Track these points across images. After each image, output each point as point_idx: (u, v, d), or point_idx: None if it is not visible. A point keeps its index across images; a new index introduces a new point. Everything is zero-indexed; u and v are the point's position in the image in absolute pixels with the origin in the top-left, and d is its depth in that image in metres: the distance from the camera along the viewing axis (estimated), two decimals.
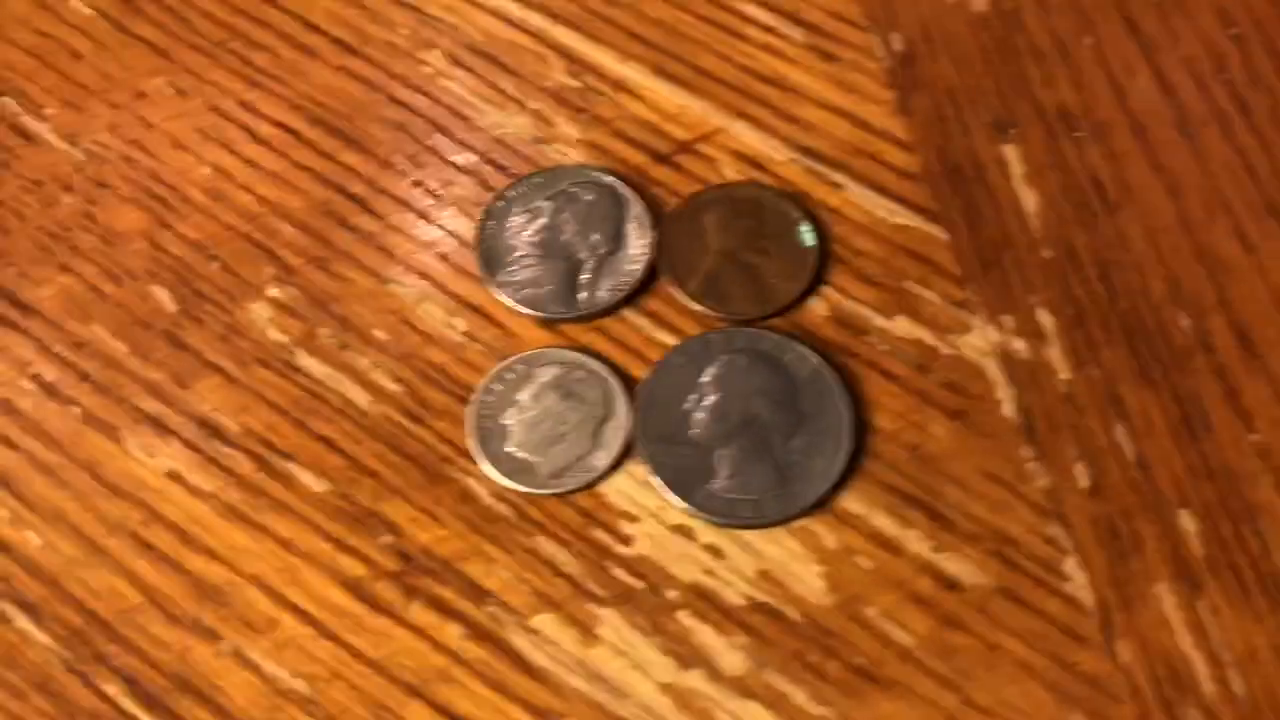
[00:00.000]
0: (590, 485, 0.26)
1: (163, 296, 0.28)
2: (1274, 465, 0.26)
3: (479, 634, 0.25)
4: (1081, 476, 0.26)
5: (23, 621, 0.25)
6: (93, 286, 0.29)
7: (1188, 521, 0.26)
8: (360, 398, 0.27)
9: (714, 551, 0.26)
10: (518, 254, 0.28)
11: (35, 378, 0.28)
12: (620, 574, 0.25)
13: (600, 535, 0.26)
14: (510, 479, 0.26)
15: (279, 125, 0.31)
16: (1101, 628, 0.25)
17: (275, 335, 0.28)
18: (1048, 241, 0.29)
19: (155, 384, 0.27)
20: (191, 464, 0.26)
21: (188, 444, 0.27)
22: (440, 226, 0.29)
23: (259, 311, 0.28)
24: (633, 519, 0.26)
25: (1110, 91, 0.31)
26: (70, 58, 0.32)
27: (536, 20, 0.32)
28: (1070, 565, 0.25)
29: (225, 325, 0.28)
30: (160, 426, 0.27)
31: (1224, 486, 0.26)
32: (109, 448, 0.27)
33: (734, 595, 0.25)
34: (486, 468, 0.26)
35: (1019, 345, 0.27)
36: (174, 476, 0.26)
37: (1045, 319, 0.28)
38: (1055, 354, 0.27)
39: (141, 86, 0.31)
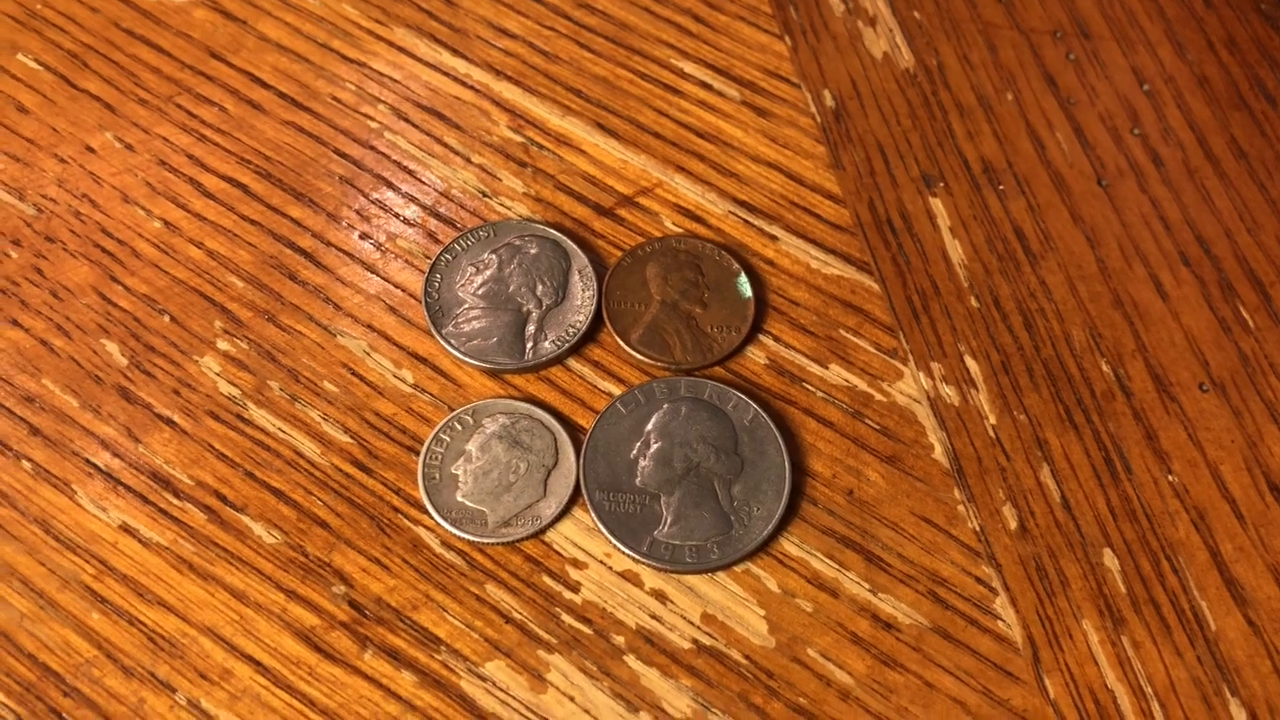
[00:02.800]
0: (538, 533, 0.27)
1: (113, 350, 0.29)
2: (1191, 505, 0.27)
3: (431, 682, 0.25)
4: (1010, 518, 0.27)
5: None
6: (43, 340, 0.29)
7: (1111, 560, 0.27)
8: (311, 450, 0.28)
9: (659, 596, 0.26)
10: (465, 306, 0.29)
11: None
12: (568, 620, 0.26)
13: (548, 582, 0.26)
14: (459, 528, 0.27)
15: (227, 179, 0.31)
16: (1031, 664, 0.26)
17: (226, 388, 0.28)
18: (974, 291, 0.30)
19: (107, 438, 0.28)
20: (144, 517, 0.27)
21: (140, 497, 0.27)
22: (388, 279, 0.30)
23: (210, 365, 0.29)
24: (580, 566, 0.27)
25: (1031, 146, 0.32)
26: (17, 112, 0.32)
27: (480, 76, 0.33)
28: (1000, 604, 0.26)
29: (176, 379, 0.28)
30: (113, 480, 0.27)
31: (1144, 526, 0.27)
32: (61, 502, 0.27)
33: (679, 639, 0.26)
34: (436, 517, 0.27)
35: (948, 391, 0.29)
36: (127, 529, 0.27)
37: (973, 366, 0.29)
38: (983, 399, 0.29)
39: (90, 141, 0.32)
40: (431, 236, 0.30)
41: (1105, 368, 0.29)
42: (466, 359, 0.29)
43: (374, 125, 0.32)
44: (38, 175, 0.31)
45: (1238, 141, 0.32)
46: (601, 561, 0.27)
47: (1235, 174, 0.31)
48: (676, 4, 0.34)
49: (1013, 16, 0.34)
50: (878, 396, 0.29)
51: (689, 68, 0.33)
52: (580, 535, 0.27)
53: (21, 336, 0.29)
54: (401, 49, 0.33)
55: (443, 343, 0.29)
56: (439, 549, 0.27)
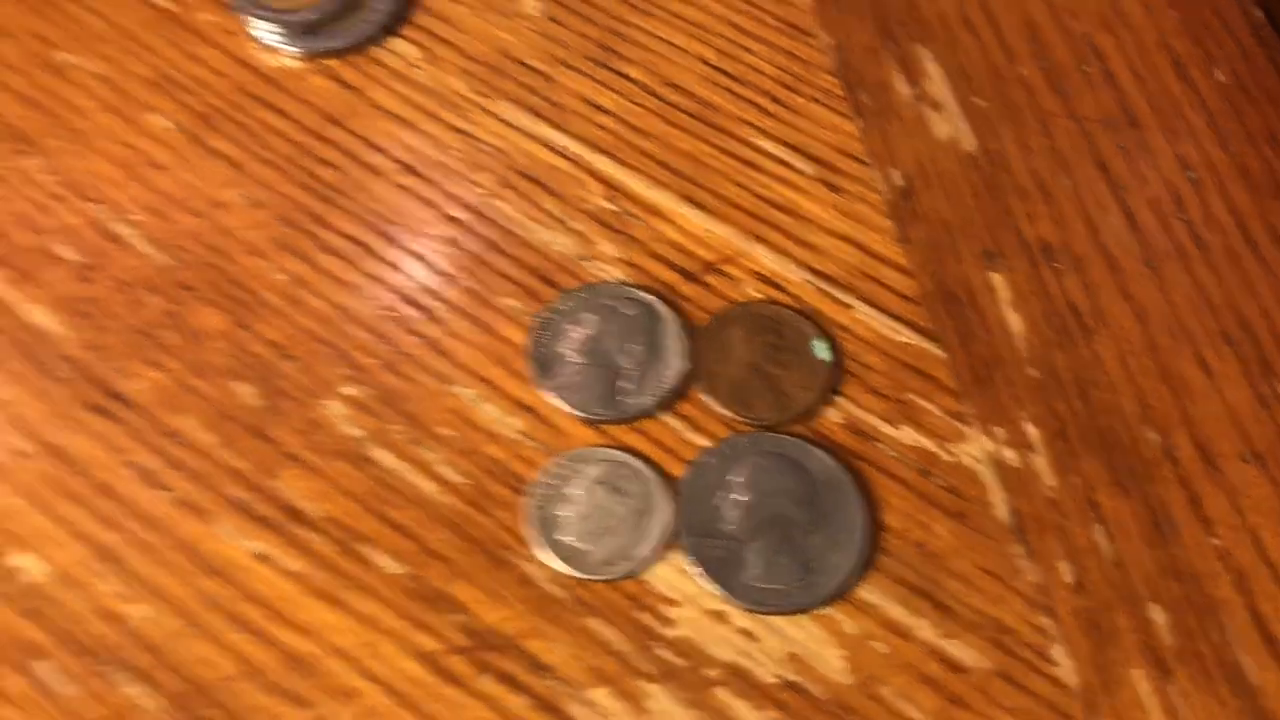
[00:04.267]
0: (635, 573, 0.29)
1: (246, 392, 0.31)
2: (1232, 566, 0.30)
3: (542, 705, 0.28)
4: (1066, 573, 0.30)
5: (133, 686, 0.28)
6: (181, 381, 0.31)
7: (1158, 614, 0.29)
8: (429, 488, 0.30)
9: (747, 635, 0.29)
10: (566, 361, 0.32)
11: (132, 464, 0.30)
12: (664, 653, 0.29)
13: (645, 618, 0.29)
14: (564, 565, 0.29)
15: (347, 237, 0.34)
16: (1085, 708, 0.28)
17: (350, 430, 0.31)
18: (1033, 361, 0.33)
19: (242, 472, 0.30)
20: (278, 546, 0.29)
21: (274, 528, 0.30)
22: (495, 334, 0.32)
23: (335, 408, 0.31)
24: (674, 604, 0.29)
25: (1085, 227, 0.35)
26: (153, 169, 0.35)
27: (576, 148, 0.36)
28: (1057, 651, 0.29)
29: (304, 420, 0.31)
30: (248, 512, 0.30)
31: (1189, 584, 0.30)
32: (202, 530, 0.30)
33: (766, 674, 0.28)
34: (542, 554, 0.29)
35: (1009, 454, 0.31)
36: (262, 558, 0.29)
37: (1031, 431, 0.32)
38: (1041, 463, 0.31)
39: (219, 197, 0.34)
40: (534, 296, 0.33)
41: (1154, 437, 0.31)
42: (567, 409, 0.31)
43: (480, 191, 0.35)
44: (173, 227, 0.34)
45: (1275, 229, 0.35)
46: (693, 601, 0.29)
47: (1273, 259, 0.34)
48: (756, 85, 0.37)
49: (1068, 105, 0.37)
50: (945, 457, 0.31)
51: (768, 145, 0.36)
52: (673, 576, 0.29)
53: (161, 377, 0.32)
54: (504, 120, 0.36)
55: (545, 394, 0.31)
56: (546, 583, 0.29)
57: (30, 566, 0.29)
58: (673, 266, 0.34)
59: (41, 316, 0.32)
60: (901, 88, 0.37)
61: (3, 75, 0.36)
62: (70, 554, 0.29)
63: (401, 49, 0.37)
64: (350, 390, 0.32)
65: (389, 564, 0.29)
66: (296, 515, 0.30)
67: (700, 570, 0.29)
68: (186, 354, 0.32)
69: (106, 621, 0.28)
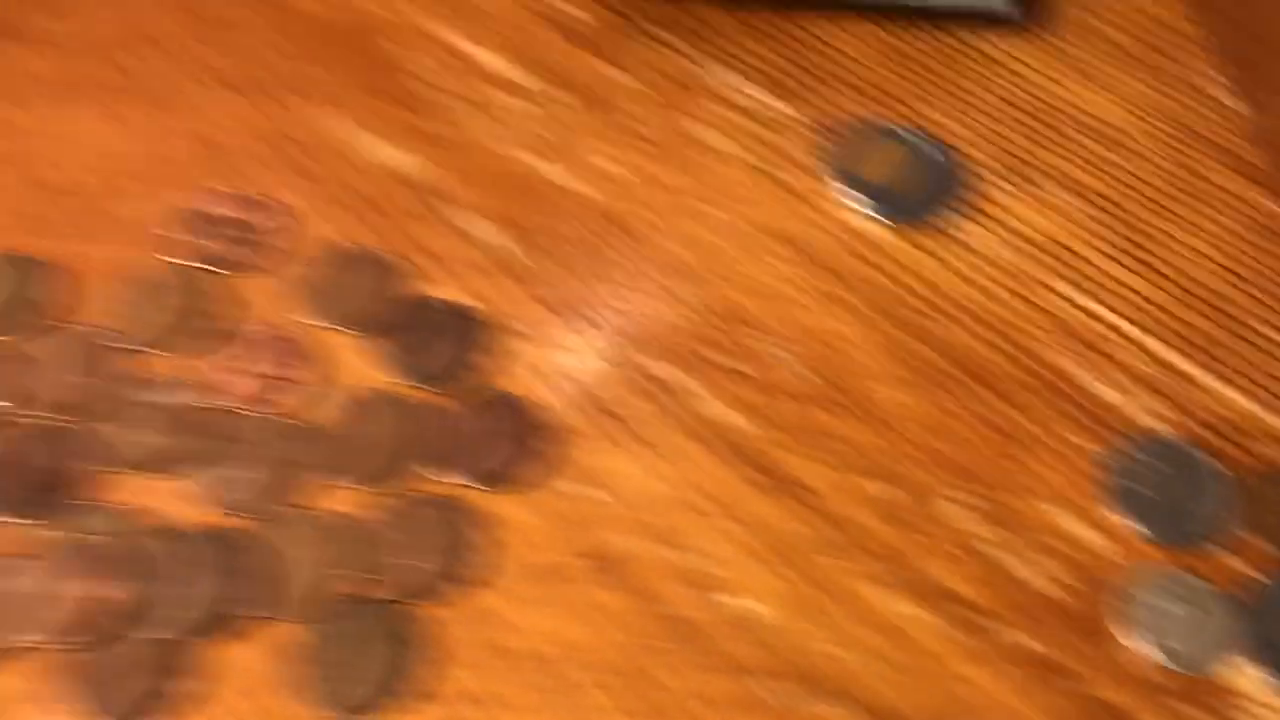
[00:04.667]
0: (1207, 670, 0.37)
1: (881, 489, 0.40)
2: None
3: None
4: None
5: (820, 705, 0.36)
6: (836, 475, 0.40)
7: None
8: (1038, 583, 0.38)
9: None
10: (1136, 493, 0.40)
11: (815, 538, 0.39)
12: None
13: (1223, 707, 0.36)
14: (1152, 657, 0.37)
15: (939, 370, 0.42)
16: None
17: (966, 527, 0.39)
18: None
19: (896, 553, 0.39)
20: (931, 614, 0.37)
21: (926, 600, 0.38)
22: (1075, 466, 0.40)
23: (952, 510, 0.39)
24: (1246, 698, 0.36)
25: None
26: (788, 303, 0.44)
27: (1117, 321, 0.44)
28: None
29: (929, 516, 0.39)
30: (903, 584, 0.38)
31: None
32: (871, 593, 0.38)
33: None
34: (1133, 646, 0.37)
35: None
36: (910, 621, 0.37)
37: None
38: None
39: (839, 331, 0.43)
40: (1098, 438, 0.41)
41: None
42: (1139, 531, 0.39)
43: (1044, 348, 0.43)
44: (811, 353, 0.43)
45: None
46: (1261, 699, 0.36)
47: None
48: (1260, 286, 0.45)
49: None
50: None
51: (1273, 334, 0.44)
52: (1240, 676, 0.37)
53: (825, 469, 0.40)
54: (1053, 290, 0.44)
55: (1120, 518, 0.39)
56: (1145, 672, 0.37)
57: (741, 604, 0.38)
58: (1209, 426, 0.41)
59: (720, 411, 0.41)
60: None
61: (657, 220, 0.46)
62: (770, 600, 0.38)
63: (964, 224, 0.46)
64: (960, 495, 0.40)
65: (1018, 638, 0.37)
66: (944, 592, 0.38)
67: (1266, 675, 0.36)
68: (837, 452, 0.41)
69: (799, 654, 0.37)
